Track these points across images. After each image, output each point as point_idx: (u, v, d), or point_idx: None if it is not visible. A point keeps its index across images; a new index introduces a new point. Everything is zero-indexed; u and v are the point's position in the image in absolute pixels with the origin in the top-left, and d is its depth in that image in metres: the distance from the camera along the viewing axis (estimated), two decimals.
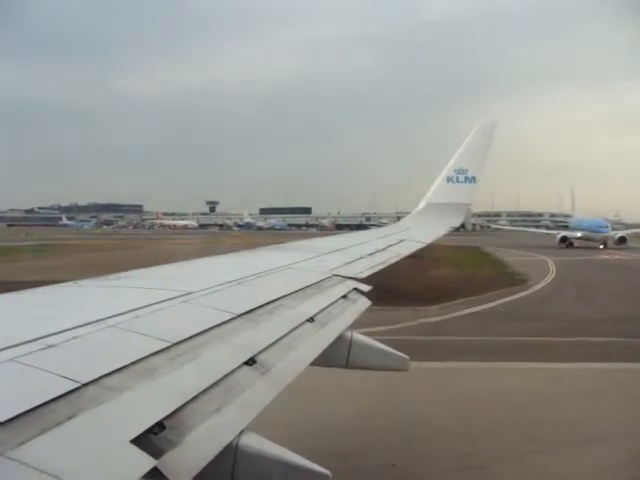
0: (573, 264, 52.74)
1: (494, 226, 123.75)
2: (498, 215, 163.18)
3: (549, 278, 41.11)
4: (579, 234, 77.62)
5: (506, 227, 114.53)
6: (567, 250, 70.54)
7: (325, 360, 4.66)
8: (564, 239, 77.16)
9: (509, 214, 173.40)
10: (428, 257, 51.75)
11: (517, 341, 21.49)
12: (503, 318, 26.51)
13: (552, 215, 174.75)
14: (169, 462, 2.34)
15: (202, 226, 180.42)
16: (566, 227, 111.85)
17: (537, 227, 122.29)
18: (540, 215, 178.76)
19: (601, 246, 72.54)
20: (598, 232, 74.82)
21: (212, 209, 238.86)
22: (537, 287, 36.59)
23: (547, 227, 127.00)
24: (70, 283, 4.99)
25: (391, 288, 33.08)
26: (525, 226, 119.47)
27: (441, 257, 54.79)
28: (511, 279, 39.87)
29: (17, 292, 4.39)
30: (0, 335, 3.01)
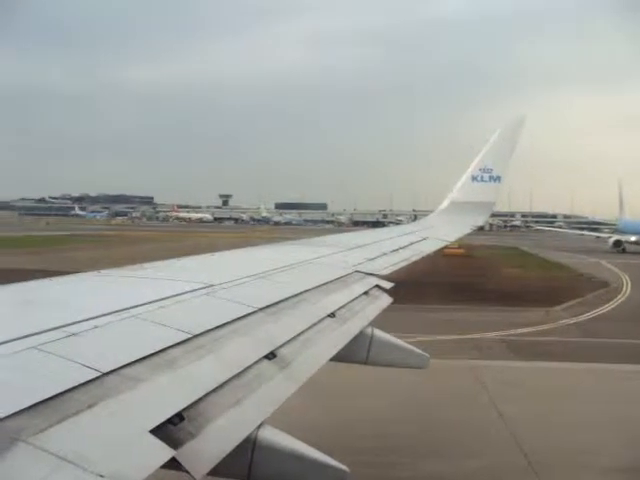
0: (632, 267, 48.59)
1: (536, 227, 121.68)
2: (512, 215, 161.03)
3: (626, 281, 39.42)
4: (633, 238, 68.86)
5: (551, 229, 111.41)
6: (607, 254, 64.26)
7: (345, 356, 4.65)
8: (618, 243, 69.48)
9: (523, 214, 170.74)
10: (481, 256, 51.37)
11: None
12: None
13: (566, 216, 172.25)
14: (187, 453, 2.35)
15: (217, 219, 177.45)
16: (582, 228, 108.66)
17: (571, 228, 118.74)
18: (554, 216, 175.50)
19: None
20: None
21: (225, 202, 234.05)
22: (627, 290, 35.50)
23: (560, 228, 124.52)
24: (93, 273, 5.03)
25: (485, 288, 33.33)
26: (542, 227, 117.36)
27: (494, 258, 53.57)
28: (590, 281, 39.11)
29: (40, 280, 4.44)
30: (22, 323, 3.04)
